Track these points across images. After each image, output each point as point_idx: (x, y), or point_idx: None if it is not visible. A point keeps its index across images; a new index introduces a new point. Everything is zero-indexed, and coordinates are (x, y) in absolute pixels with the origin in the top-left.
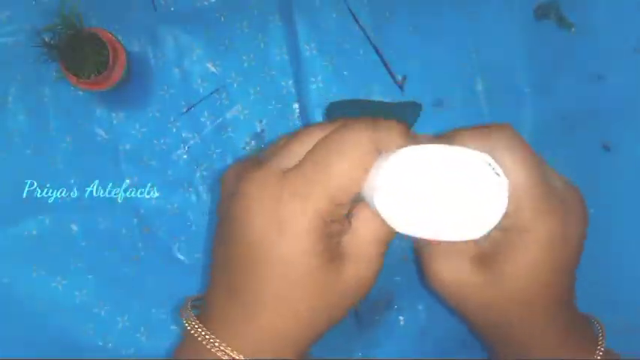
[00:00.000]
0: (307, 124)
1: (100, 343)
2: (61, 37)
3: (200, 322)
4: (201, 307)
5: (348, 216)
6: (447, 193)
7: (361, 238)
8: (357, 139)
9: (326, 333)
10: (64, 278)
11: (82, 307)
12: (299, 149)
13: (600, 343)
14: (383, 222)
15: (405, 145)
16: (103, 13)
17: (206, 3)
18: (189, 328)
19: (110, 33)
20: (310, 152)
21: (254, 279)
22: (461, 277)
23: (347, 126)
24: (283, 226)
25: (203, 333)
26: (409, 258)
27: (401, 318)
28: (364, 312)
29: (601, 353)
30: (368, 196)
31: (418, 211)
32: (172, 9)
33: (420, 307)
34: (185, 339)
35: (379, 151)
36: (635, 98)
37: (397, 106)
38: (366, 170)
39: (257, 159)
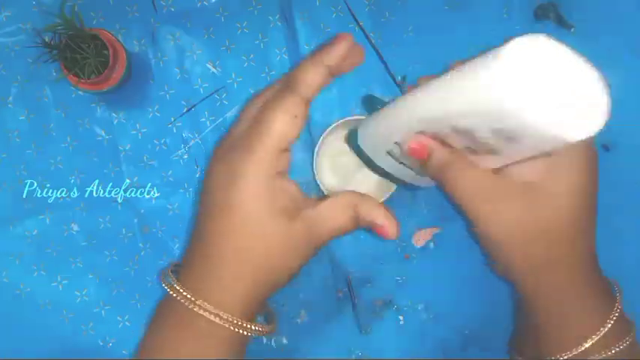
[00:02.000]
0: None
1: (100, 343)
2: (61, 37)
3: (178, 281)
4: (181, 264)
5: (317, 202)
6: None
7: (321, 216)
8: (282, 96)
9: (284, 281)
10: (65, 278)
11: (82, 306)
12: (247, 116)
13: (618, 300)
14: (345, 215)
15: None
16: (104, 13)
17: (206, 3)
18: (165, 286)
19: (110, 33)
20: (253, 115)
21: (216, 232)
22: (510, 208)
23: (274, 90)
24: (234, 174)
25: (179, 289)
26: (410, 257)
27: (401, 318)
28: (364, 312)
29: (619, 311)
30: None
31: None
32: (172, 9)
33: (420, 307)
34: (164, 299)
35: (305, 99)
36: (635, 98)
37: None
38: (296, 117)
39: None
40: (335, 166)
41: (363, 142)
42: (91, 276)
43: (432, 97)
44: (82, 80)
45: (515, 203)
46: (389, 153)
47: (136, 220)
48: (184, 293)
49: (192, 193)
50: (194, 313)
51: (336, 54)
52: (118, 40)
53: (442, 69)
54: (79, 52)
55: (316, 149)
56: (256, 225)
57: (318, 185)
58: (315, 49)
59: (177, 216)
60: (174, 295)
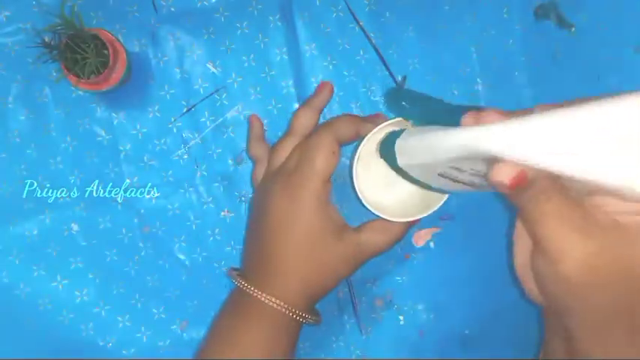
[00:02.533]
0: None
1: (101, 343)
2: (61, 37)
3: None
4: (240, 275)
5: (359, 226)
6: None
7: (360, 238)
8: (320, 136)
9: (331, 287)
10: (65, 278)
11: (82, 306)
12: (278, 159)
13: None
14: (386, 236)
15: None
16: (104, 13)
17: (206, 3)
18: (237, 284)
19: (110, 33)
20: (298, 154)
21: (280, 243)
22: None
23: (312, 133)
24: (293, 198)
25: (247, 285)
26: (410, 257)
27: (401, 318)
28: (364, 312)
29: None
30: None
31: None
32: (172, 9)
33: (420, 307)
34: (230, 296)
35: (340, 141)
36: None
37: (456, 108)
38: (335, 153)
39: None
40: (372, 173)
41: (405, 164)
42: (91, 276)
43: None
44: (82, 80)
45: (601, 238)
46: (441, 175)
47: (136, 220)
48: (252, 287)
49: (193, 193)
50: (261, 303)
51: (368, 128)
52: (118, 40)
53: (442, 69)
54: (79, 52)
55: (355, 158)
56: (313, 237)
57: (357, 193)
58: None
59: (177, 216)
60: (245, 289)
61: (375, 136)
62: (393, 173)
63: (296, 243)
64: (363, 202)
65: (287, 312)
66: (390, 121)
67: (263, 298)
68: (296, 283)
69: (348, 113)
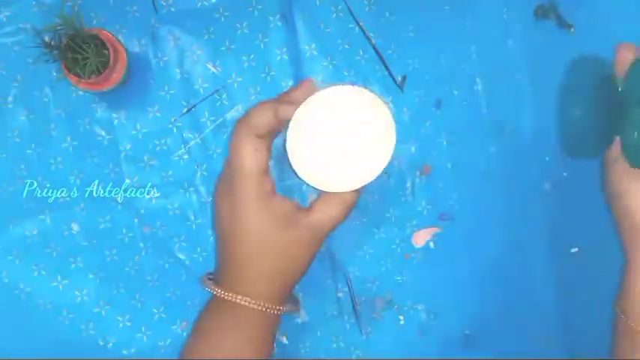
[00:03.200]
0: None
1: (101, 343)
2: (61, 37)
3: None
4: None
5: (310, 205)
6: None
7: (314, 218)
8: (236, 135)
9: (302, 272)
10: (65, 278)
11: (82, 306)
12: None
13: None
14: (339, 208)
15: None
16: (104, 13)
17: (206, 3)
18: (208, 289)
19: (110, 33)
20: (228, 157)
21: (234, 249)
22: None
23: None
24: (233, 202)
25: (217, 289)
26: (410, 257)
27: (401, 318)
28: (364, 312)
29: None
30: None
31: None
32: (172, 9)
33: (420, 307)
34: (208, 301)
35: (260, 135)
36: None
37: None
38: (257, 149)
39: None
40: (310, 145)
41: None
42: (91, 276)
43: None
44: (82, 80)
45: None
46: None
47: (136, 220)
48: (223, 292)
49: (193, 193)
50: (235, 304)
51: (290, 102)
52: (118, 40)
53: (442, 69)
54: (79, 52)
55: (288, 130)
56: (263, 235)
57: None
58: (279, 96)
59: (177, 216)
60: (218, 294)
61: (309, 104)
62: (331, 142)
63: (248, 245)
64: (304, 179)
65: (261, 308)
66: (327, 89)
67: (234, 299)
68: (262, 280)
69: (262, 101)
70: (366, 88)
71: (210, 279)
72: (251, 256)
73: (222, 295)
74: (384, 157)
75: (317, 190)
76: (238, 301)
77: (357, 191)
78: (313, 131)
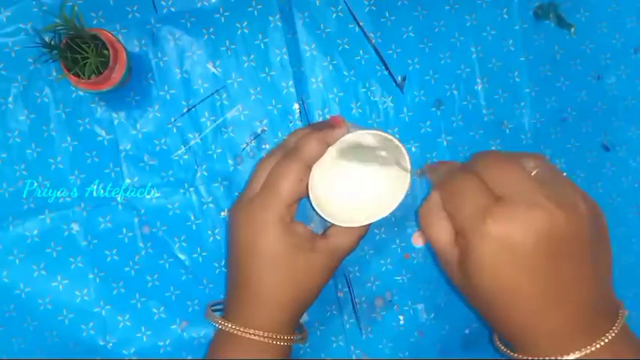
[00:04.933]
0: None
1: (101, 343)
2: (61, 37)
3: (223, 317)
4: (224, 306)
5: (325, 233)
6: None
7: (330, 244)
8: (289, 165)
9: (312, 300)
10: (65, 278)
11: (82, 306)
12: (259, 180)
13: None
14: (351, 236)
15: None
16: (104, 13)
17: (206, 3)
18: (217, 325)
19: (110, 33)
20: (265, 181)
21: (249, 274)
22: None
23: (280, 160)
24: (256, 225)
25: (226, 324)
26: (410, 257)
27: (401, 318)
28: (364, 312)
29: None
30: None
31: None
32: (172, 9)
33: (420, 307)
34: (215, 334)
35: (309, 166)
36: (635, 98)
37: None
38: (301, 180)
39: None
40: (325, 179)
41: None
42: (91, 276)
43: None
44: (82, 80)
45: None
46: None
47: (136, 220)
48: (231, 325)
49: (193, 193)
50: (243, 338)
51: (337, 137)
52: (118, 40)
53: (442, 69)
54: (79, 52)
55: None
56: (282, 260)
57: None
58: (317, 124)
59: (177, 216)
60: (224, 328)
61: (334, 146)
62: (347, 178)
63: (265, 270)
64: (322, 215)
65: (271, 341)
66: (354, 133)
67: (245, 334)
68: (275, 308)
69: (309, 132)
70: (387, 133)
71: (214, 309)
72: (265, 281)
73: (232, 331)
74: (397, 197)
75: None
76: (249, 336)
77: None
78: (334, 171)
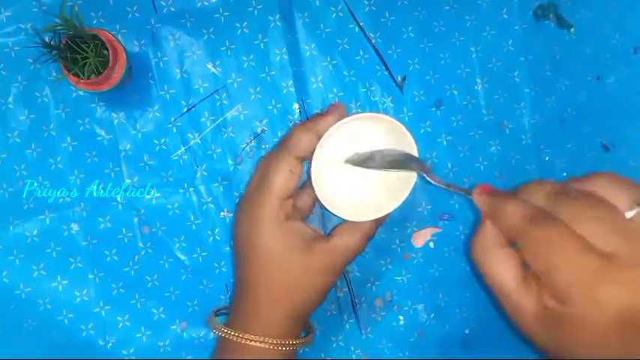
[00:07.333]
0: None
1: (101, 343)
2: (61, 37)
3: (227, 322)
4: (229, 310)
5: (330, 234)
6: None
7: (331, 244)
8: (278, 158)
9: (316, 301)
10: (65, 278)
11: (82, 306)
12: (254, 178)
13: None
14: (356, 236)
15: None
16: (104, 13)
17: (206, 3)
18: (219, 334)
19: (110, 33)
20: (259, 176)
21: (248, 273)
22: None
23: (270, 155)
24: (252, 222)
25: (228, 332)
26: (410, 257)
27: (401, 318)
28: (364, 312)
29: None
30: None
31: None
32: (172, 9)
33: (420, 307)
34: (219, 337)
35: (298, 158)
36: (635, 98)
37: None
38: (291, 172)
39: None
40: (332, 173)
41: None
42: (90, 276)
43: None
44: (82, 80)
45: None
46: None
47: (136, 220)
48: (230, 332)
49: (193, 193)
50: (245, 345)
51: (326, 125)
52: (118, 40)
53: (442, 69)
54: (79, 52)
55: (313, 159)
56: (279, 259)
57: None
58: (309, 118)
59: (177, 216)
60: (231, 337)
61: (332, 136)
62: (353, 172)
63: (261, 270)
64: (324, 204)
65: (271, 347)
66: (349, 118)
67: (248, 342)
68: (274, 311)
69: (299, 124)
70: (390, 116)
71: (218, 314)
72: (262, 281)
73: (236, 339)
74: (406, 188)
75: (340, 219)
76: (252, 343)
77: (377, 221)
78: (336, 160)
